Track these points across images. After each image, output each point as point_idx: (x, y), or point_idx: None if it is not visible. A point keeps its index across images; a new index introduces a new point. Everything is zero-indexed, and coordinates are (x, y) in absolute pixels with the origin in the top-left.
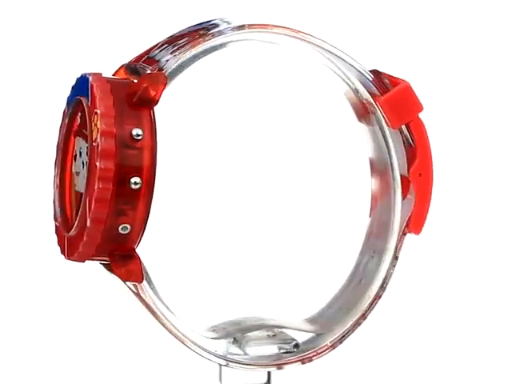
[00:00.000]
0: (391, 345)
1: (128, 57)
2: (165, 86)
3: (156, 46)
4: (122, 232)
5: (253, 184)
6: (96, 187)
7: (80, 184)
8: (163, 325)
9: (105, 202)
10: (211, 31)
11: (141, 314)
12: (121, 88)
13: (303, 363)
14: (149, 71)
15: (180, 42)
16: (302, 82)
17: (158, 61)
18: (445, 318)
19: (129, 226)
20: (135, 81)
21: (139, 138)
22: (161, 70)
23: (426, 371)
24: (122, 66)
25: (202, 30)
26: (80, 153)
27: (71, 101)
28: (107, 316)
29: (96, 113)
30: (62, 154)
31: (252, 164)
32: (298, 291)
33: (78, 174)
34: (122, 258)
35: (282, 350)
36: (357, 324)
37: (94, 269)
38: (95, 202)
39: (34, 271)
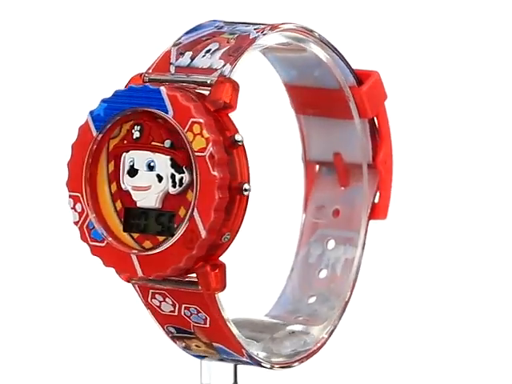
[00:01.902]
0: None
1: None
2: (238, 92)
3: (168, 55)
4: (223, 241)
5: None
6: (217, 197)
7: (150, 198)
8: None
9: (222, 212)
10: (240, 34)
11: None
12: (195, 97)
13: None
14: (211, 80)
15: (212, 47)
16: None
17: (213, 68)
18: (419, 299)
19: (230, 235)
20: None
21: (240, 143)
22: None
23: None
24: (140, 77)
25: (223, 34)
26: (151, 166)
27: (110, 115)
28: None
29: (198, 122)
30: (90, 171)
31: None
32: (246, 289)
33: (138, 188)
34: (212, 268)
35: (305, 347)
36: (342, 315)
37: None
38: (214, 213)
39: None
